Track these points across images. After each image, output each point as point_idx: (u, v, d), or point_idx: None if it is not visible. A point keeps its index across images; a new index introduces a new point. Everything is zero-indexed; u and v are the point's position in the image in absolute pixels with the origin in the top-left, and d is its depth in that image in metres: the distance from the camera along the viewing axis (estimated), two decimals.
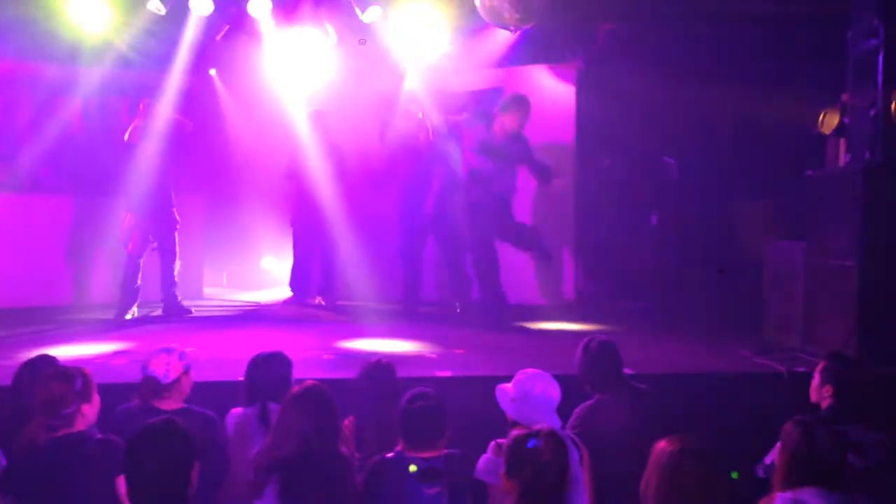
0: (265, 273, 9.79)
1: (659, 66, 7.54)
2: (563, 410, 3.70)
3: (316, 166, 7.85)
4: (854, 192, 5.34)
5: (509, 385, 3.64)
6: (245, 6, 7.64)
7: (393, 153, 8.18)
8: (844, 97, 5.84)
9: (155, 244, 7.36)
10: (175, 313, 7.44)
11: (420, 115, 7.89)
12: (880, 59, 5.30)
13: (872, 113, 5.34)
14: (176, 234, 7.44)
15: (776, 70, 7.24)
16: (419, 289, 7.94)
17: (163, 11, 7.32)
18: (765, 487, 3.20)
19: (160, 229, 7.34)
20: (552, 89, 8.15)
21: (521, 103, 6.88)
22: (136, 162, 7.13)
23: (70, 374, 3.40)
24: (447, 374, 5.11)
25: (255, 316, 7.97)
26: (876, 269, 5.20)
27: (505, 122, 6.86)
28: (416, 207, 7.77)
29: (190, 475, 2.71)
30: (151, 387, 3.80)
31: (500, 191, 7.00)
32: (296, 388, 3.42)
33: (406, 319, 7.40)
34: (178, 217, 7.43)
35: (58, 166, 7.94)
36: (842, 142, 5.95)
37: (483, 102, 8.43)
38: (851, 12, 5.65)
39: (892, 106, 5.21)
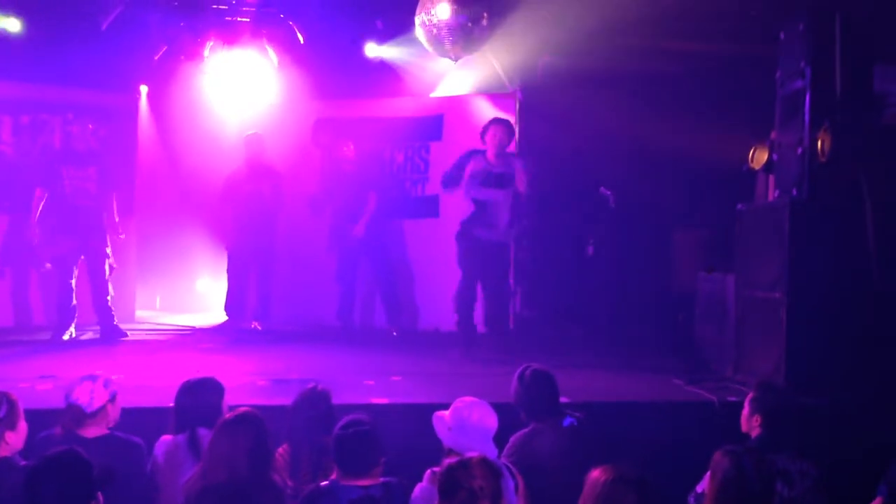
0: (200, 296, 9.62)
1: (596, 98, 7.68)
2: (501, 438, 3.70)
3: (251, 190, 7.79)
4: (781, 226, 5.50)
5: (446, 413, 3.63)
6: (185, 28, 7.57)
7: (328, 177, 8.18)
8: (773, 135, 6.02)
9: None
10: (111, 335, 7.30)
11: (351, 148, 7.92)
12: (807, 99, 5.48)
13: (799, 151, 5.52)
14: (108, 258, 7.28)
15: (709, 105, 7.43)
16: (352, 313, 7.93)
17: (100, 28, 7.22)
18: None
19: (91, 253, 7.19)
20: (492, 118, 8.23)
21: (496, 121, 6.85)
22: (57, 184, 7.00)
23: None
24: (384, 401, 5.08)
25: (188, 340, 7.82)
26: (802, 302, 5.34)
27: (492, 144, 6.70)
28: (348, 232, 7.77)
29: None
30: (75, 415, 3.70)
31: (503, 228, 6.76)
32: (228, 415, 3.36)
33: (342, 344, 7.35)
34: (108, 242, 7.28)
35: None
36: (770, 177, 6.13)
37: (423, 129, 8.51)
38: (779, 54, 5.85)
39: (818, 145, 5.39)
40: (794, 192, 5.55)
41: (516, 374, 4.22)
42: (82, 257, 7.19)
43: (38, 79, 7.59)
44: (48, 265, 7.10)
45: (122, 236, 7.45)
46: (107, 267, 7.26)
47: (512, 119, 8.12)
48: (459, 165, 6.74)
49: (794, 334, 5.33)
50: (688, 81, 7.52)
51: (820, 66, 5.45)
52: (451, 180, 6.81)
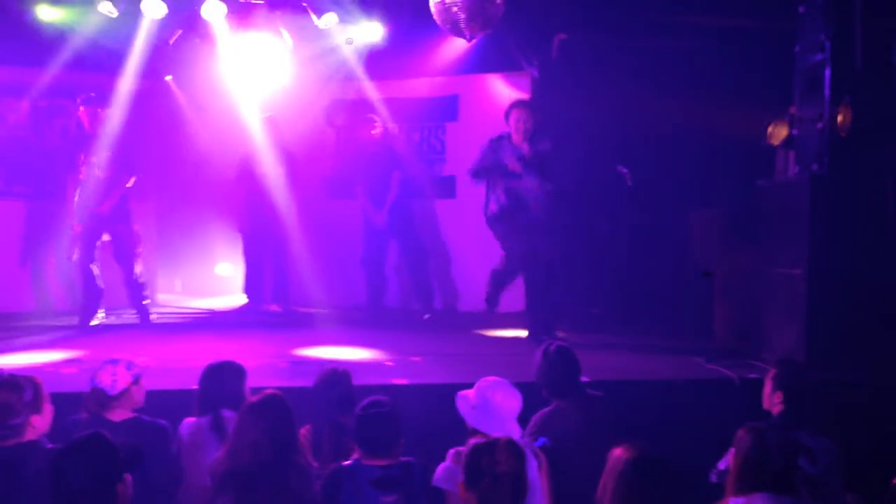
0: (220, 279, 9.68)
1: (613, 75, 7.63)
2: (523, 418, 3.71)
3: (266, 172, 7.81)
4: (801, 202, 5.46)
5: (470, 392, 3.65)
6: (199, 10, 7.56)
7: (351, 159, 8.18)
8: (792, 110, 5.97)
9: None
10: (145, 319, 7.38)
11: (378, 122, 7.90)
12: (827, 73, 5.43)
13: (819, 126, 5.47)
14: (135, 240, 7.34)
15: (726, 81, 7.36)
16: (383, 295, 7.94)
17: (115, 14, 7.22)
18: (718, 493, 3.25)
19: (117, 236, 7.24)
20: (507, 98, 8.18)
21: (519, 104, 6.66)
22: (80, 170, 7.05)
23: (19, 383, 3.33)
24: (403, 381, 5.11)
25: (209, 323, 7.88)
26: (823, 278, 5.31)
27: (516, 128, 6.52)
28: (377, 213, 7.75)
29: (116, 489, 2.69)
30: (99, 399, 3.74)
31: (539, 206, 6.60)
32: (252, 398, 3.39)
33: (364, 326, 7.38)
34: (135, 229, 7.33)
35: (8, 171, 7.77)
36: (790, 153, 6.08)
37: (438, 110, 8.49)
38: (798, 27, 5.78)
39: (838, 119, 5.34)
40: (815, 167, 5.51)
41: (539, 351, 4.23)
42: (101, 241, 7.22)
43: (54, 63, 7.61)
44: (76, 255, 7.14)
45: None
46: (135, 250, 7.32)
47: (528, 98, 8.10)
48: (488, 155, 6.58)
49: (814, 311, 5.31)
50: (704, 57, 7.44)
51: (840, 39, 5.40)
52: (483, 172, 6.64)
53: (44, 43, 7.37)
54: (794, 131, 5.90)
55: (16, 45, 7.42)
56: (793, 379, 3.91)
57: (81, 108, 7.11)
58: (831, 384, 4.62)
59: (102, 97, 7.24)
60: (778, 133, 6.08)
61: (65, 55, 7.49)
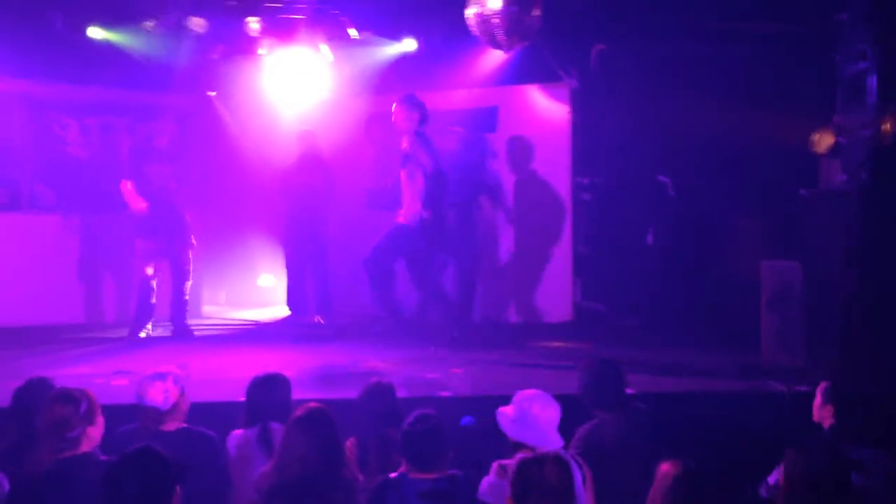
0: (263, 291, 9.78)
1: (652, 84, 7.59)
2: (564, 430, 3.70)
3: (303, 183, 7.88)
4: (847, 211, 5.38)
5: (509, 407, 3.65)
6: (241, 26, 7.67)
7: (392, 171, 8.21)
8: (836, 118, 5.88)
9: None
10: (182, 334, 7.48)
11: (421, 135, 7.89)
12: (873, 82, 5.34)
13: (865, 135, 5.39)
14: (190, 255, 7.50)
15: (766, 87, 7.29)
16: (424, 307, 7.93)
17: (202, 28, 7.33)
18: None
19: (174, 250, 7.36)
20: (546, 108, 8.20)
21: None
22: (143, 185, 7.20)
23: (74, 396, 3.40)
24: (446, 394, 5.12)
25: (253, 335, 7.96)
26: (871, 287, 5.22)
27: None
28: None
29: (172, 501, 2.72)
30: (153, 416, 3.80)
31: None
32: (299, 411, 3.41)
33: (406, 338, 7.37)
34: (194, 241, 7.47)
35: (59, 186, 7.95)
36: (834, 162, 6.00)
37: (477, 121, 8.50)
38: (837, 35, 5.70)
39: (885, 128, 5.26)
40: (863, 175, 5.42)
41: (583, 364, 4.20)
42: (167, 257, 7.36)
43: (104, 82, 7.78)
44: (150, 269, 7.25)
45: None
46: (190, 264, 7.47)
47: (566, 109, 8.09)
48: None
49: (864, 321, 5.21)
50: (744, 63, 7.38)
51: (884, 48, 5.31)
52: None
53: (93, 61, 7.54)
54: (841, 140, 5.81)
55: (66, 63, 7.61)
56: (844, 391, 3.85)
57: (146, 124, 7.29)
58: (883, 396, 4.54)
59: (160, 113, 7.40)
60: (823, 141, 5.99)
61: (114, 73, 7.67)
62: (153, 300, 7.32)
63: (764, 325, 6.36)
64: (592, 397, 4.10)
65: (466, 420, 3.73)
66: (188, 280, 7.49)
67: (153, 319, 7.38)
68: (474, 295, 7.88)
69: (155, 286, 7.31)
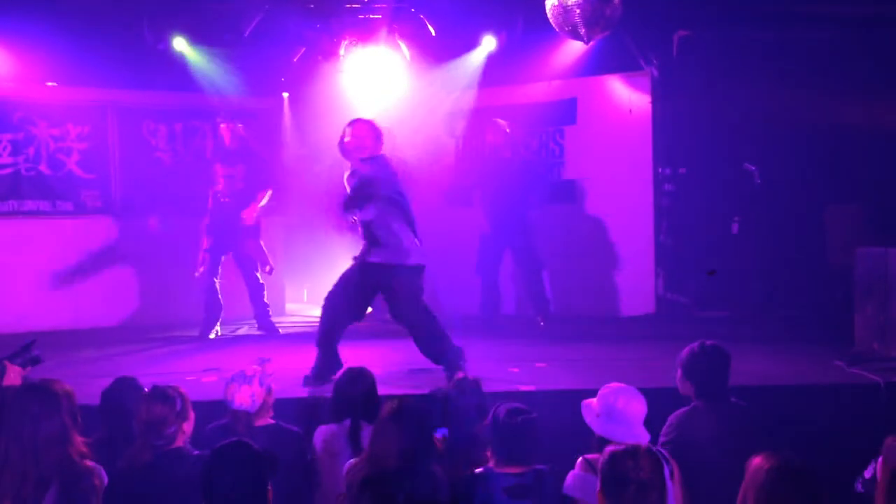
0: None
1: (737, 70, 7.42)
2: (649, 425, 3.63)
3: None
4: None
5: (594, 400, 3.60)
6: (320, 28, 7.80)
7: (470, 168, 8.21)
8: None
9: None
10: (267, 331, 7.64)
11: (507, 129, 7.84)
12: None
13: None
14: (262, 246, 7.61)
15: (859, 72, 7.03)
16: (499, 303, 7.91)
17: None
18: (864, 502, 3.10)
19: (241, 250, 7.52)
20: (627, 99, 8.09)
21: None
22: (217, 183, 7.37)
23: (170, 395, 3.52)
24: (530, 388, 5.09)
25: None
26: None
27: None
28: (503, 221, 7.68)
29: (266, 495, 2.78)
30: (244, 420, 3.87)
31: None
32: (389, 405, 3.44)
33: (480, 333, 7.37)
34: (264, 248, 7.63)
35: (146, 190, 8.20)
36: None
37: (556, 114, 8.43)
38: None
39: None
40: None
41: (694, 346, 4.06)
42: (227, 255, 7.47)
43: (189, 88, 8.02)
44: (200, 271, 7.41)
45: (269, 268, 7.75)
46: (259, 266, 7.59)
47: (647, 98, 7.96)
48: None
49: None
50: (835, 48, 7.14)
51: None
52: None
53: (178, 69, 7.78)
54: None
55: (154, 71, 7.87)
56: None
57: (222, 125, 7.45)
58: None
59: (237, 115, 7.57)
60: None
61: (198, 80, 7.90)
62: (219, 300, 7.39)
63: (858, 314, 6.14)
64: (697, 382, 3.99)
65: (441, 432, 3.72)
66: (258, 279, 7.57)
67: (221, 319, 7.46)
68: (544, 289, 7.83)
69: (218, 285, 7.40)
